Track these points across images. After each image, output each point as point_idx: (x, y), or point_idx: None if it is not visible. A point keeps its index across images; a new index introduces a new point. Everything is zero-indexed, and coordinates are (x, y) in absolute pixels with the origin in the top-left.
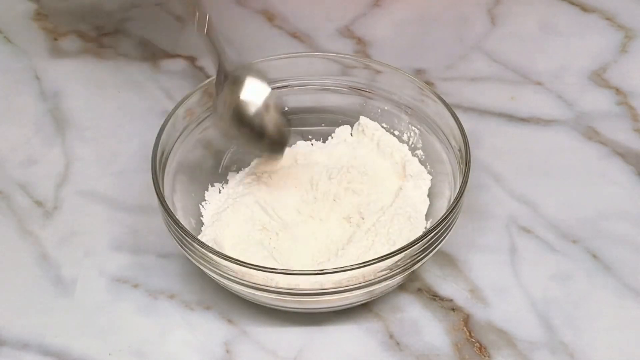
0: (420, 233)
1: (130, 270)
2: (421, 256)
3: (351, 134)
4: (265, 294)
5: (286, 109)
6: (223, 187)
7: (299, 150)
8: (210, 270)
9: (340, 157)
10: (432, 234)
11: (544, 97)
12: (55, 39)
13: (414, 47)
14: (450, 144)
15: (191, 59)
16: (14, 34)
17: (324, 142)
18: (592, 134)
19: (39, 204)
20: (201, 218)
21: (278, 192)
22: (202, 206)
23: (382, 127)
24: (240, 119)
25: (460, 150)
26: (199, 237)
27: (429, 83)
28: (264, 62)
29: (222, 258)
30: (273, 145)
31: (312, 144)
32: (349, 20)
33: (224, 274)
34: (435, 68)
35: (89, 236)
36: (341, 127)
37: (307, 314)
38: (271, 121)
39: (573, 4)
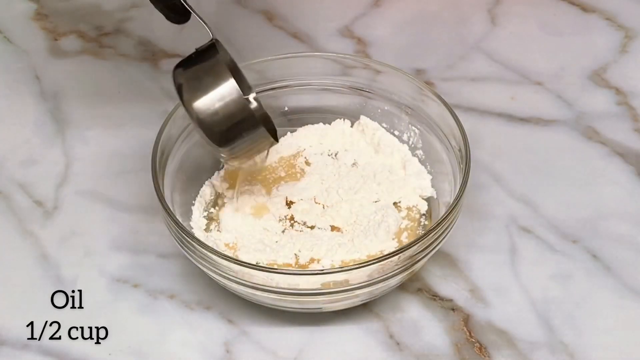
0: (419, 230)
1: (130, 270)
2: (421, 256)
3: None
4: (265, 294)
5: (286, 108)
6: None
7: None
8: (210, 270)
9: (334, 145)
10: (432, 234)
11: (544, 97)
12: (55, 39)
13: (414, 47)
14: (450, 144)
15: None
16: (14, 34)
17: None
18: (592, 134)
19: (39, 204)
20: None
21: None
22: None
23: (382, 127)
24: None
25: (460, 150)
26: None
27: (429, 83)
28: (264, 62)
29: (222, 258)
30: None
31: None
32: (349, 20)
33: (224, 274)
34: (435, 68)
35: (89, 236)
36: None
37: (307, 314)
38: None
39: (573, 4)
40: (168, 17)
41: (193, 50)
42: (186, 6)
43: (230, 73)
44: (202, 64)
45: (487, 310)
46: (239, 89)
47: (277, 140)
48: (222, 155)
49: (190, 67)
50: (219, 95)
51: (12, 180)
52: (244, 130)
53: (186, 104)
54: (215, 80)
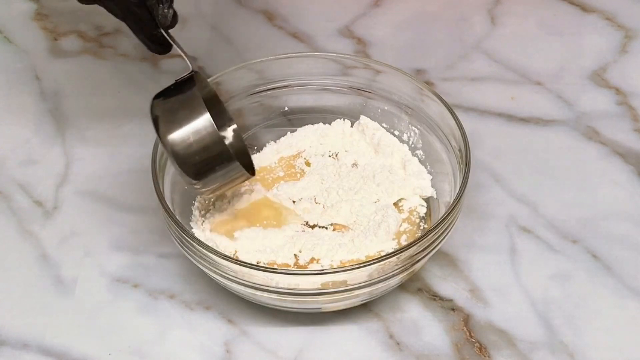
0: (418, 233)
1: (130, 270)
2: (421, 256)
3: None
4: (265, 294)
5: (286, 108)
6: None
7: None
8: (210, 270)
9: (334, 145)
10: (432, 234)
11: (544, 97)
12: (55, 39)
13: (414, 47)
14: (450, 144)
15: (191, 59)
16: (14, 34)
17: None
18: (592, 134)
19: (39, 204)
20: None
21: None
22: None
23: (382, 127)
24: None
25: (460, 150)
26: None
27: (429, 83)
28: (264, 62)
29: (222, 258)
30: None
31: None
32: (349, 20)
33: (224, 274)
34: (435, 68)
35: (89, 236)
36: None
37: (307, 314)
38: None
39: (573, 4)
40: (149, 48)
41: (173, 82)
42: (167, 38)
43: (206, 107)
44: (179, 96)
45: (487, 310)
46: (213, 123)
47: (253, 173)
48: (196, 187)
49: (167, 100)
50: (194, 129)
51: (12, 180)
52: (218, 164)
53: (161, 136)
54: (190, 114)
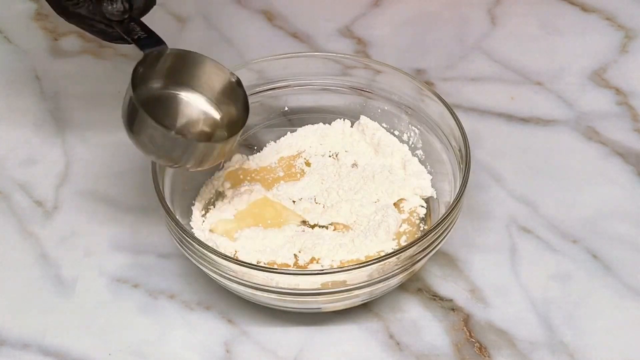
0: (418, 234)
1: (130, 270)
2: (421, 256)
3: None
4: (265, 294)
5: (286, 108)
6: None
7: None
8: (210, 270)
9: (334, 145)
10: (432, 234)
11: (544, 97)
12: (55, 39)
13: (414, 47)
14: (450, 144)
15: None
16: (14, 34)
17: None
18: (592, 134)
19: (39, 204)
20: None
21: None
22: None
23: (382, 127)
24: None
25: (460, 150)
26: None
27: (429, 83)
28: (264, 62)
29: (222, 258)
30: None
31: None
32: (349, 20)
33: (224, 274)
34: (435, 68)
35: (89, 236)
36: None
37: (307, 314)
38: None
39: (573, 4)
40: (116, 42)
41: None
42: (121, 33)
43: (140, 105)
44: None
45: (487, 310)
46: (143, 111)
47: (242, 124)
48: (175, 166)
49: (125, 97)
50: (133, 117)
51: (12, 180)
52: (164, 141)
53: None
54: (126, 104)
